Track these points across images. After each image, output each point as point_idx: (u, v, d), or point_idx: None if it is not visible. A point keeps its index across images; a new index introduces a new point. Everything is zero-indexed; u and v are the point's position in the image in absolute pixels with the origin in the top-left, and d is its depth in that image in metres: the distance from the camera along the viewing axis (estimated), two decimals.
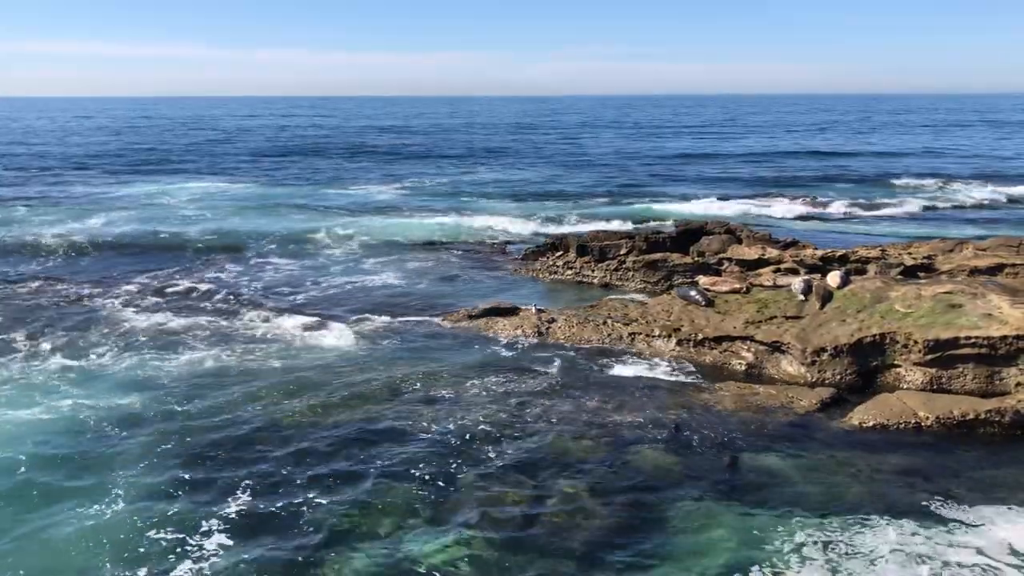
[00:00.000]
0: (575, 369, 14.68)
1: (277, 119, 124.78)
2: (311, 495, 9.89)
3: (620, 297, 19.32)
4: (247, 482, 10.19)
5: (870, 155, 55.71)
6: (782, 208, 33.22)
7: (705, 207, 33.42)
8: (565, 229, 27.89)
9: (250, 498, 9.83)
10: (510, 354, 15.60)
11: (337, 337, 15.94)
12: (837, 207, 33.41)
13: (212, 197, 37.53)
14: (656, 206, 34.23)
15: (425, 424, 12.03)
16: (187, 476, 10.31)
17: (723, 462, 10.97)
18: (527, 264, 23.38)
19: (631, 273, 22.04)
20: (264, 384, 13.54)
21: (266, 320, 17.15)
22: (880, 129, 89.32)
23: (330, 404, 12.70)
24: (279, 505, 9.67)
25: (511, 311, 17.95)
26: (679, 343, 15.87)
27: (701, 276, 18.56)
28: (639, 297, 19.63)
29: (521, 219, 30.60)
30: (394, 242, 26.94)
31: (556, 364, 14.96)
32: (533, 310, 17.50)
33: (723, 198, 36.33)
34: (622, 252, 22.32)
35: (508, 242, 26.89)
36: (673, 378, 14.39)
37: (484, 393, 13.35)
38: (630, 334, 16.26)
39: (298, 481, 10.26)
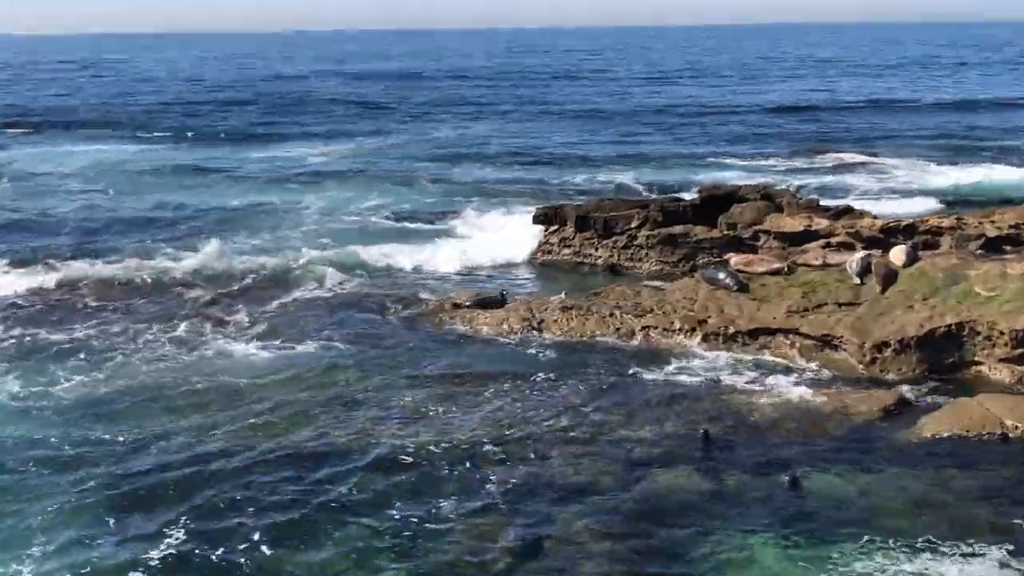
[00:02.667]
0: (575, 373, 14.75)
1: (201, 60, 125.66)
2: (256, 538, 9.97)
3: (631, 282, 19.59)
4: (181, 523, 10.30)
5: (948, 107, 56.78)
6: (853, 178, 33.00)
7: (737, 175, 33.77)
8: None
9: (184, 543, 9.93)
10: (494, 356, 15.70)
11: (246, 351, 16.03)
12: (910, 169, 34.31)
13: (104, 164, 38.17)
14: (682, 170, 34.75)
15: (390, 446, 12.12)
16: (110, 520, 10.39)
17: (782, 482, 11.05)
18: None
19: (644, 251, 22.18)
20: (192, 402, 13.68)
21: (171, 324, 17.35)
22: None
23: (274, 424, 12.85)
24: (219, 554, 9.72)
25: (494, 301, 18.09)
26: (705, 338, 15.95)
27: (732, 254, 18.70)
28: (654, 282, 19.87)
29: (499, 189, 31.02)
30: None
31: (551, 367, 15.04)
32: (525, 301, 17.91)
33: (754, 159, 37.09)
34: (633, 225, 22.37)
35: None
36: (699, 381, 14.42)
37: (462, 406, 13.42)
38: (644, 328, 16.39)
39: (240, 522, 10.31)
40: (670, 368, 15.02)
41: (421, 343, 16.44)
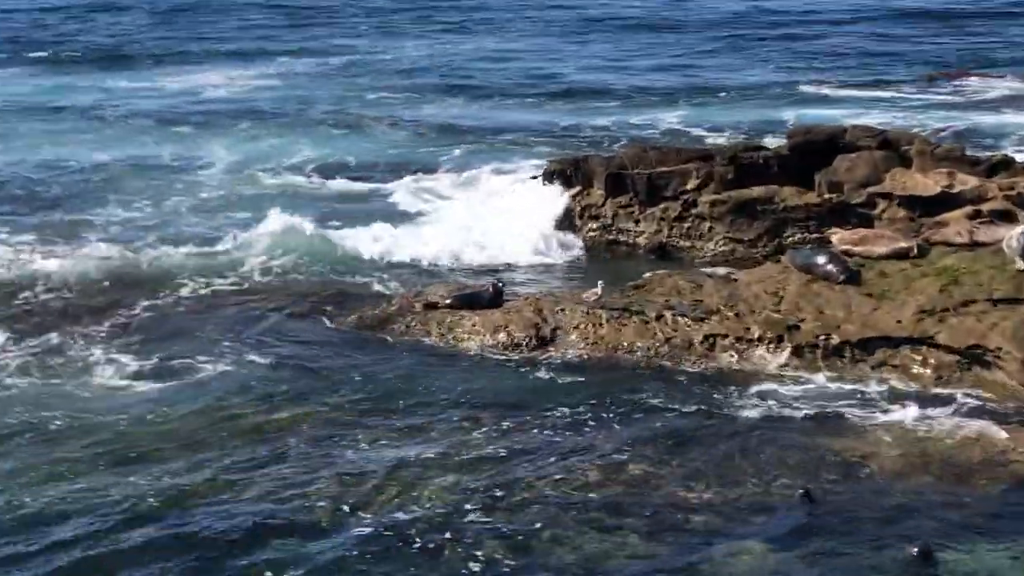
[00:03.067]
0: (606, 406, 14.77)
1: None
2: None
3: (687, 270, 19.65)
4: None
5: None
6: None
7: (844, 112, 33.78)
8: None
9: None
10: (485, 381, 15.77)
11: (118, 382, 16.05)
12: None
13: None
14: (762, 106, 34.72)
15: (335, 517, 12.06)
16: None
17: (908, 556, 11.17)
18: None
19: (707, 225, 22.22)
20: (41, 454, 13.58)
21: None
22: None
23: (166, 487, 12.70)
24: None
25: (485, 299, 18.07)
26: (797, 352, 16.01)
27: (836, 229, 18.78)
28: (722, 269, 19.84)
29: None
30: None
31: (571, 398, 15.06)
32: (532, 298, 17.74)
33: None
34: (690, 186, 22.36)
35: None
36: (788, 416, 14.50)
37: (437, 457, 13.42)
38: (707, 337, 16.43)
39: None
40: (745, 397, 14.98)
41: (377, 364, 16.40)
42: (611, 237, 22.91)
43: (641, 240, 22.51)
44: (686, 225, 22.32)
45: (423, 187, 26.83)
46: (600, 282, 18.11)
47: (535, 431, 14.09)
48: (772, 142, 25.63)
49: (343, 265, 21.69)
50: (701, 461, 13.30)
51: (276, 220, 23.06)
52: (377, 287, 20.03)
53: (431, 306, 18.10)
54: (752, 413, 14.61)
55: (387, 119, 34.18)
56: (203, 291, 19.87)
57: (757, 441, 13.81)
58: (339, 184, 27.75)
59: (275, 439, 14.08)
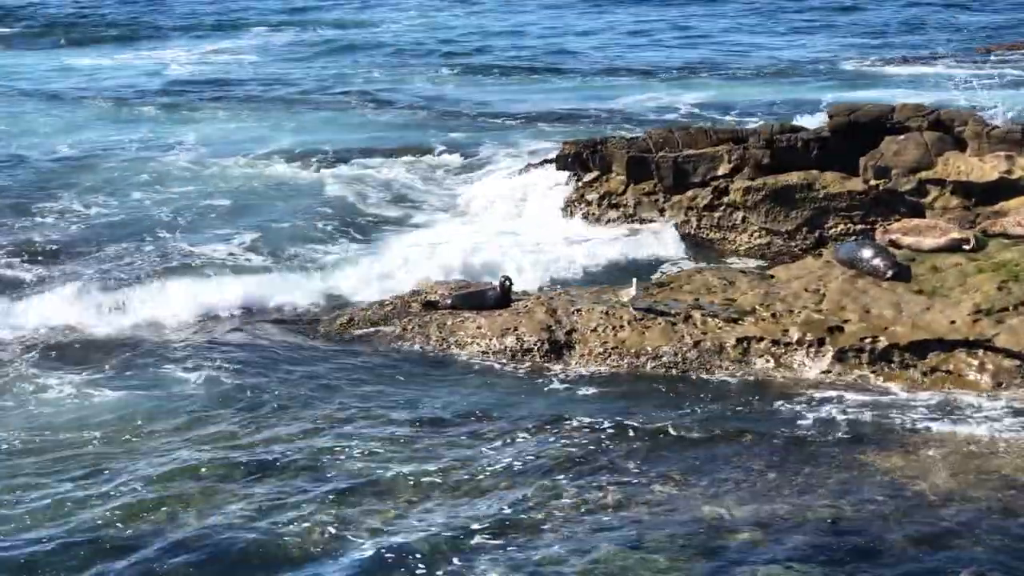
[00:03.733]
0: (628, 416, 14.82)
1: None
2: None
3: (718, 265, 19.91)
4: None
5: None
6: None
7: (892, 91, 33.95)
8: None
9: None
10: (491, 394, 15.81)
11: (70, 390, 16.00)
12: None
13: None
14: (799, 84, 34.84)
15: (336, 532, 12.07)
16: None
17: None
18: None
19: (739, 214, 22.49)
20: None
21: None
22: None
23: (119, 508, 12.61)
24: None
25: (490, 298, 18.07)
26: (840, 356, 16.11)
27: (884, 220, 18.91)
28: (755, 263, 20.37)
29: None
30: None
31: (588, 406, 15.16)
32: (544, 297, 17.83)
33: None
34: (720, 172, 22.56)
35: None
36: (829, 428, 14.51)
37: (438, 485, 13.25)
38: (740, 341, 16.53)
39: None
40: (782, 407, 15.07)
41: (364, 374, 16.47)
42: (632, 223, 23.02)
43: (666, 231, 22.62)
44: (717, 215, 22.50)
45: (419, 173, 27.33)
46: (635, 280, 18.04)
47: (548, 446, 14.05)
48: (811, 122, 25.77)
49: (327, 263, 21.76)
50: (732, 479, 13.27)
51: (247, 216, 23.75)
52: (362, 295, 20.01)
53: (430, 306, 18.21)
54: (789, 426, 14.62)
55: (369, 99, 34.39)
56: (161, 300, 19.60)
57: (795, 457, 13.80)
58: (317, 171, 27.97)
59: (256, 454, 14.00)
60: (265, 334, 18.34)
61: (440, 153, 29.11)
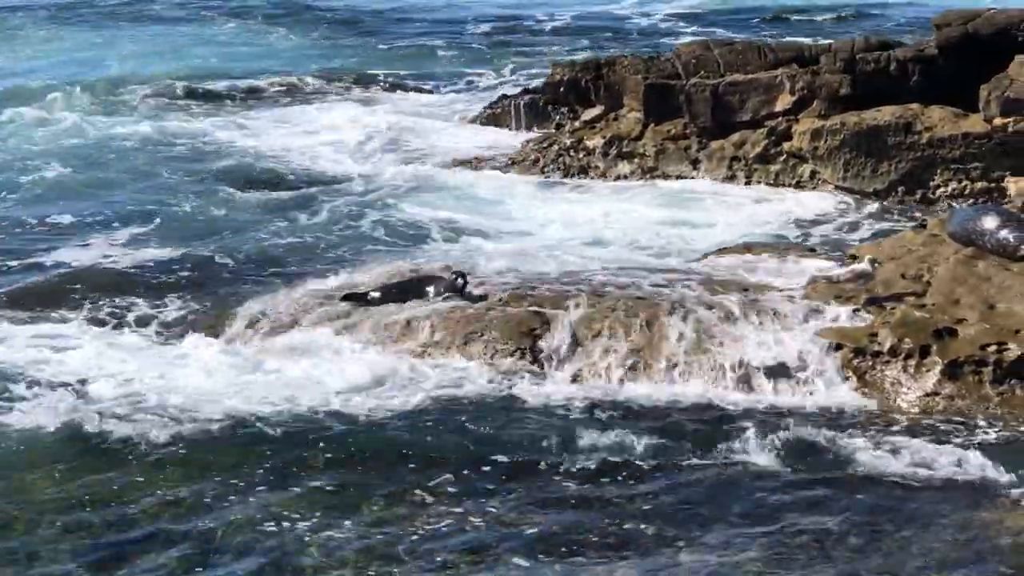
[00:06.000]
0: (645, 456, 14.76)
1: None
2: None
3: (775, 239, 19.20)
4: None
5: None
6: None
7: None
8: None
9: None
10: (451, 420, 15.73)
11: None
12: None
13: None
14: None
15: None
16: None
17: None
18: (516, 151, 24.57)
19: (807, 167, 22.17)
20: None
21: None
22: None
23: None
24: None
25: (445, 289, 17.80)
26: (951, 372, 15.91)
27: (1013, 176, 18.49)
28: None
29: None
30: None
31: (588, 442, 15.08)
32: (524, 288, 17.84)
33: None
34: (779, 107, 22.20)
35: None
36: (934, 472, 14.37)
37: (386, 534, 13.50)
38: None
39: None
40: (866, 442, 14.81)
41: (266, 391, 16.44)
42: (649, 180, 22.68)
43: (703, 186, 22.18)
44: (774, 168, 22.21)
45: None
46: (868, 256, 17.61)
47: (530, 501, 13.77)
48: (908, 38, 25.45)
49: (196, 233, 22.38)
50: (795, 541, 13.09)
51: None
52: (248, 271, 20.57)
53: (354, 300, 18.07)
54: (877, 469, 14.26)
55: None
56: None
57: (884, 511, 13.48)
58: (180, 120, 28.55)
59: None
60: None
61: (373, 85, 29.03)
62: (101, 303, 20.86)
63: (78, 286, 21.68)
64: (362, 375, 16.96)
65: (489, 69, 32.81)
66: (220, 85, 35.92)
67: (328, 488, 14.84)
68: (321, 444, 15.79)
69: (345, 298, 18.36)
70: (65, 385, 17.64)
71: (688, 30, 34.31)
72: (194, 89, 35.32)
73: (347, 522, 14.09)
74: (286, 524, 14.15)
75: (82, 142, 30.75)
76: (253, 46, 37.83)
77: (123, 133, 31.73)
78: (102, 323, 19.88)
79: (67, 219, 26.15)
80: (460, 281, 17.98)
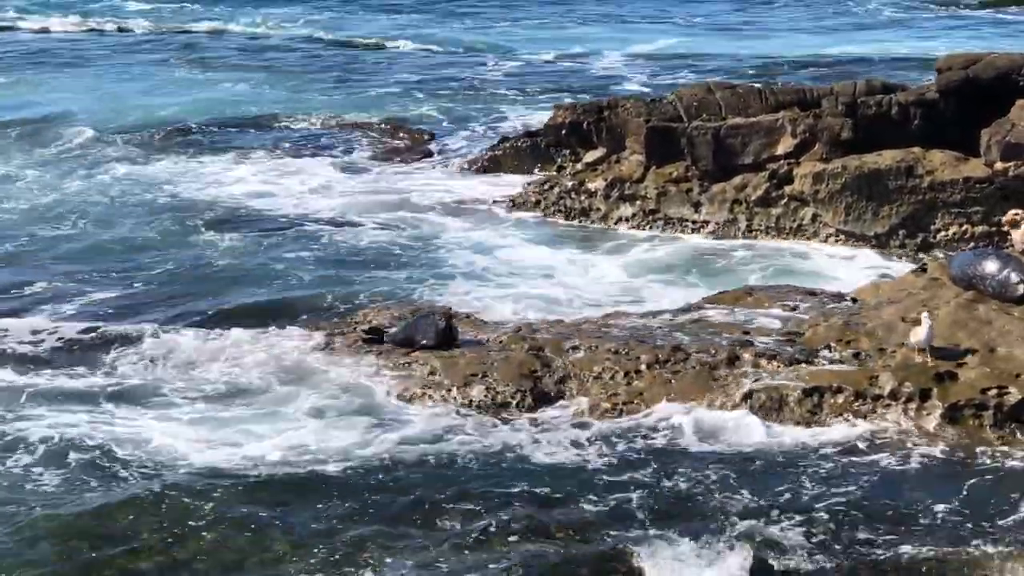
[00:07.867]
0: (641, 505, 14.50)
1: None
2: None
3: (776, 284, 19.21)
4: None
5: None
6: None
7: None
8: None
9: None
10: (452, 463, 15.65)
11: None
12: None
13: None
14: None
15: None
16: None
17: None
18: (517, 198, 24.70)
19: (808, 211, 22.02)
20: None
21: None
22: None
23: None
24: None
25: (432, 335, 17.95)
26: (952, 414, 15.90)
27: (1017, 212, 18.49)
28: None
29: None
30: None
31: (580, 488, 14.86)
32: (526, 330, 17.79)
33: None
34: (781, 150, 22.02)
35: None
36: (935, 520, 14.11)
37: None
38: (809, 392, 16.38)
39: None
40: (867, 492, 14.64)
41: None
42: (650, 224, 22.55)
43: (705, 231, 22.04)
44: (775, 212, 22.03)
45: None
46: (925, 313, 16.85)
47: (523, 552, 13.46)
48: (911, 81, 25.26)
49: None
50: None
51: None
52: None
53: (372, 338, 18.12)
54: (877, 521, 14.02)
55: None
56: None
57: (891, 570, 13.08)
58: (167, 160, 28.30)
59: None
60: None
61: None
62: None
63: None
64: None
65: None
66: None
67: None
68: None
69: (367, 339, 18.46)
70: None
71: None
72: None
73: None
74: None
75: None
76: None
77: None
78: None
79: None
80: (446, 326, 18.09)
